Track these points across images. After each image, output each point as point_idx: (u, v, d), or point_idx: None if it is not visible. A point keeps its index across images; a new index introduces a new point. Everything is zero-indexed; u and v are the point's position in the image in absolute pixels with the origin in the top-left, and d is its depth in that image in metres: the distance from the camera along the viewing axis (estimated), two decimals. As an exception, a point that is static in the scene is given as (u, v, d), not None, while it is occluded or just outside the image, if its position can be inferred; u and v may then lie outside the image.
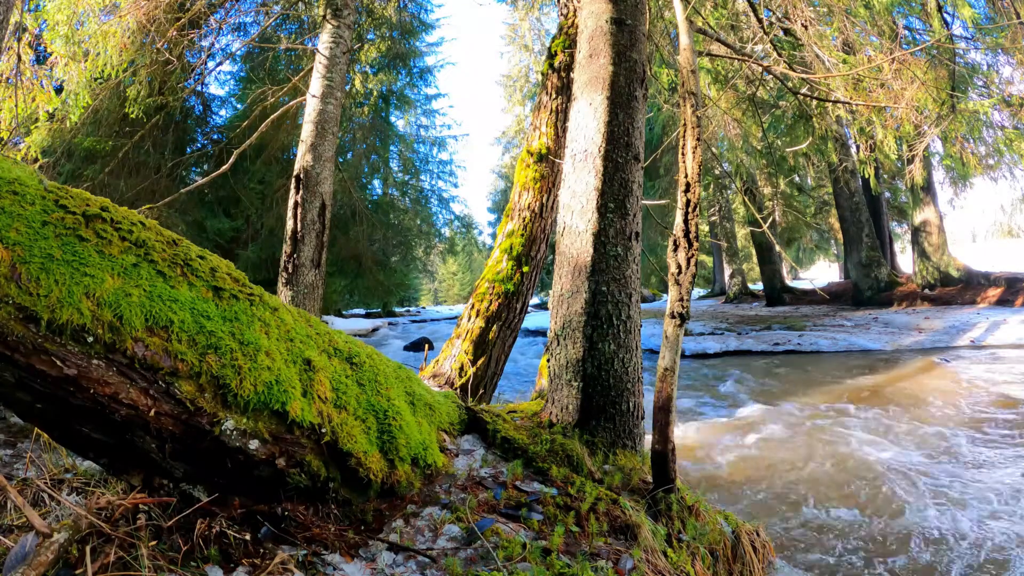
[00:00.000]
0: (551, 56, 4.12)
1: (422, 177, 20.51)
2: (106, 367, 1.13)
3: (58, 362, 1.08)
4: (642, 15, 2.72)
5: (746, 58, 4.29)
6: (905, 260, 17.44)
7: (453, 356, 3.69)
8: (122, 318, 1.14)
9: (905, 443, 4.04)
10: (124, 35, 4.98)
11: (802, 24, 4.71)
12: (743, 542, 2.07)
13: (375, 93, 17.34)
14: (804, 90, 5.47)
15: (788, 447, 4.12)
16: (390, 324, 18.13)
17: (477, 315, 3.75)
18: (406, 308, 29.13)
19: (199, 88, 12.09)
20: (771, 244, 16.09)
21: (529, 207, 3.88)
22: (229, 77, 14.90)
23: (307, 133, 4.95)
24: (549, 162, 3.90)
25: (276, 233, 12.49)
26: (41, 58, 5.92)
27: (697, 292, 28.32)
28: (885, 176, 14.55)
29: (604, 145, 2.50)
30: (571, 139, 2.67)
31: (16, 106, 5.01)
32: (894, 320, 10.83)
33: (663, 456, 2.01)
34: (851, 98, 4.81)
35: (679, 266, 1.98)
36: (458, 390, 3.46)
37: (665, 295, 23.71)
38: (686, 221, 1.98)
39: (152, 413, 1.19)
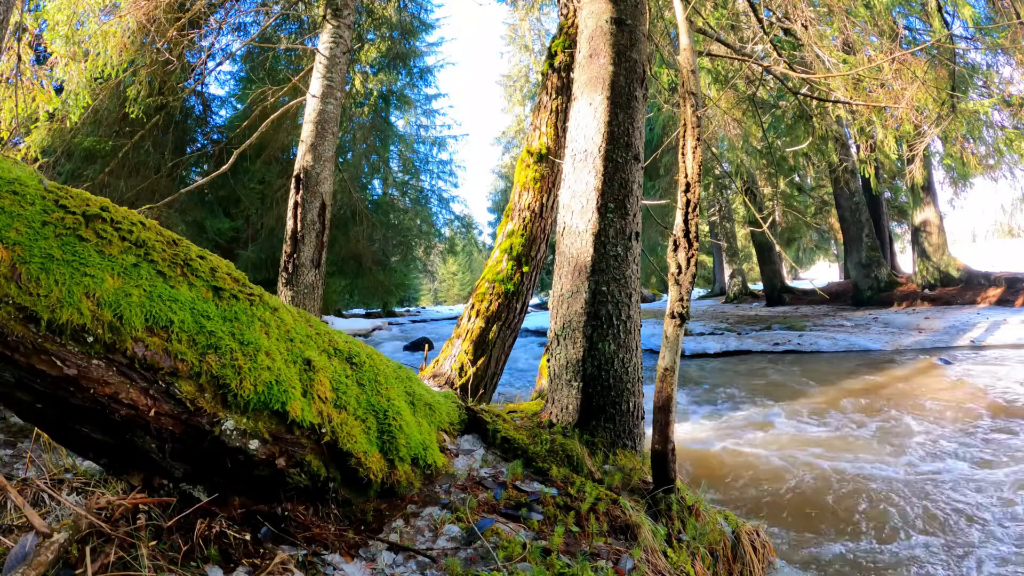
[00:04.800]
0: (551, 56, 4.12)
1: (422, 177, 20.53)
2: (106, 367, 1.13)
3: (58, 362, 1.08)
4: (642, 15, 2.72)
5: (746, 58, 4.29)
6: (905, 260, 17.45)
7: (453, 356, 3.69)
8: (122, 318, 1.14)
9: (903, 444, 4.03)
10: (124, 35, 4.98)
11: (802, 24, 4.71)
12: (743, 542, 2.07)
13: (375, 93, 17.34)
14: (804, 90, 5.47)
15: (787, 447, 4.12)
16: (390, 324, 18.14)
17: (477, 315, 3.75)
18: (406, 308, 29.13)
19: (199, 88, 12.11)
20: (771, 244, 16.09)
21: (529, 207, 3.88)
22: (229, 77, 14.93)
23: (307, 133, 4.95)
24: (549, 162, 3.90)
25: (276, 233, 12.50)
26: (41, 58, 5.92)
27: (697, 292, 28.32)
28: (885, 176, 14.56)
29: (604, 145, 2.50)
30: (571, 139, 2.67)
31: (16, 106, 5.01)
32: (894, 320, 10.83)
33: (663, 456, 2.01)
34: (851, 98, 4.81)
35: (679, 266, 1.98)
36: (458, 390, 3.46)
37: (665, 295, 23.72)
38: (686, 221, 1.98)
39: (152, 413, 1.19)
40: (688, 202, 1.99)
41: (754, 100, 7.59)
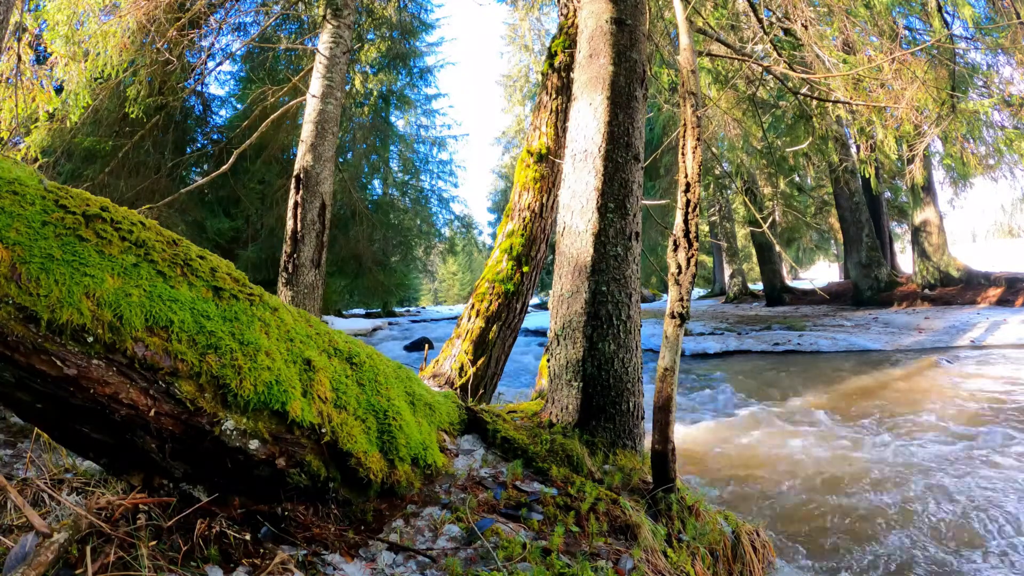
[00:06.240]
0: (551, 56, 4.12)
1: (422, 177, 20.53)
2: (106, 367, 1.13)
3: (58, 362, 1.08)
4: (642, 15, 2.72)
5: (746, 58, 4.29)
6: (905, 260, 17.45)
7: (453, 356, 3.69)
8: (122, 318, 1.14)
9: (903, 444, 4.03)
10: (124, 35, 4.98)
11: (802, 24, 4.71)
12: (743, 542, 2.07)
13: (375, 93, 17.35)
14: (804, 90, 5.47)
15: (787, 446, 4.12)
16: (390, 324, 18.13)
17: (477, 315, 3.75)
18: (406, 308, 29.12)
19: (199, 88, 12.10)
20: (771, 244, 16.09)
21: (529, 207, 3.88)
22: (229, 77, 14.93)
23: (307, 133, 4.95)
24: (549, 162, 3.90)
25: (276, 233, 12.49)
26: (41, 58, 5.92)
27: (697, 292, 28.32)
28: (885, 176, 14.56)
29: (604, 145, 2.50)
30: (571, 139, 2.67)
31: (16, 106, 5.02)
32: (894, 320, 10.83)
33: (663, 456, 2.01)
34: (851, 98, 4.81)
35: (679, 266, 1.98)
36: (458, 390, 3.46)
37: (665, 295, 23.72)
38: (686, 221, 1.98)
39: (152, 413, 1.19)
40: (688, 202, 1.99)
41: (754, 100, 7.59)
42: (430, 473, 1.79)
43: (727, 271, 22.64)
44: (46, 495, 1.47)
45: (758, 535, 2.22)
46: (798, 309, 15.19)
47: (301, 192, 4.76)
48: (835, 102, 5.12)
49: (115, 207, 1.26)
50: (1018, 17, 5.75)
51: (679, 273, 1.98)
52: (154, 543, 1.23)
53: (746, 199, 13.88)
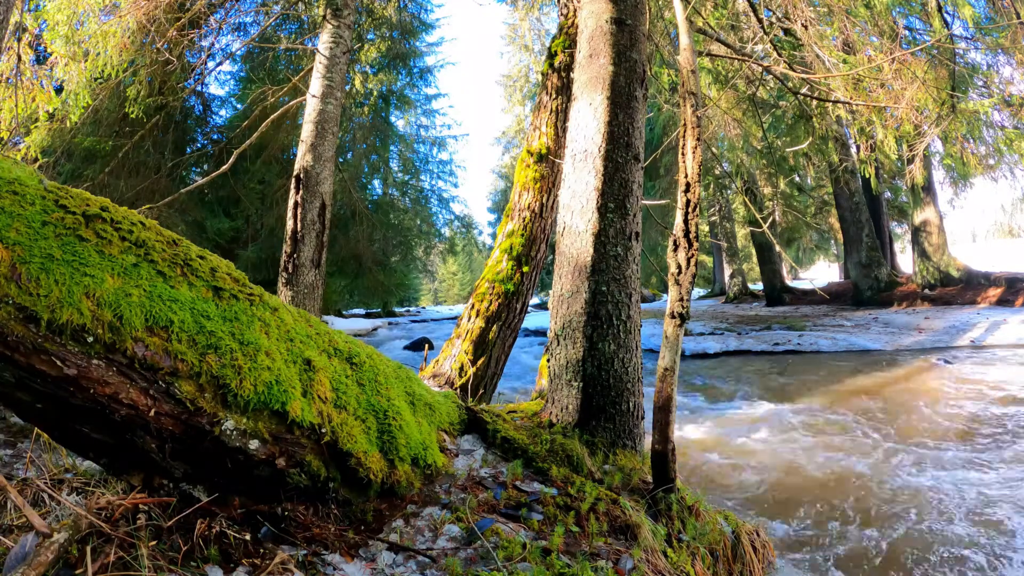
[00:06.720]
0: (551, 56, 4.12)
1: (422, 177, 20.54)
2: (106, 367, 1.13)
3: (58, 362, 1.08)
4: (642, 15, 2.72)
5: (746, 58, 4.29)
6: (905, 260, 17.45)
7: (453, 356, 3.69)
8: (122, 318, 1.14)
9: (903, 444, 4.03)
10: (124, 35, 4.98)
11: (802, 24, 4.71)
12: (743, 542, 2.07)
13: (375, 93, 17.35)
14: (804, 90, 5.47)
15: (787, 447, 4.12)
16: (390, 324, 18.13)
17: (477, 315, 3.75)
18: (406, 308, 29.12)
19: (199, 88, 12.10)
20: (771, 244, 16.09)
21: (529, 207, 3.88)
22: (229, 77, 14.93)
23: (307, 133, 4.95)
24: (549, 162, 3.90)
25: (276, 233, 12.49)
26: (41, 58, 5.92)
27: (697, 292, 28.32)
28: (885, 176, 14.56)
29: (604, 145, 2.50)
30: (571, 139, 2.67)
31: (16, 106, 5.02)
32: (894, 320, 10.83)
33: (663, 456, 2.01)
34: (851, 98, 4.81)
35: (679, 266, 1.98)
36: (458, 390, 3.46)
37: (665, 295, 23.71)
38: (686, 221, 1.98)
39: (152, 413, 1.19)
40: (688, 202, 1.99)
41: (754, 100, 7.59)
42: (430, 473, 1.79)
43: (727, 271, 22.65)
44: (46, 495, 1.47)
45: (758, 535, 2.22)
46: (798, 309, 15.19)
47: (301, 192, 4.76)
48: (835, 102, 5.12)
49: (115, 207, 1.26)
50: (1018, 17, 5.75)
51: (679, 273, 1.98)
52: (154, 543, 1.23)
53: (746, 199, 13.89)
